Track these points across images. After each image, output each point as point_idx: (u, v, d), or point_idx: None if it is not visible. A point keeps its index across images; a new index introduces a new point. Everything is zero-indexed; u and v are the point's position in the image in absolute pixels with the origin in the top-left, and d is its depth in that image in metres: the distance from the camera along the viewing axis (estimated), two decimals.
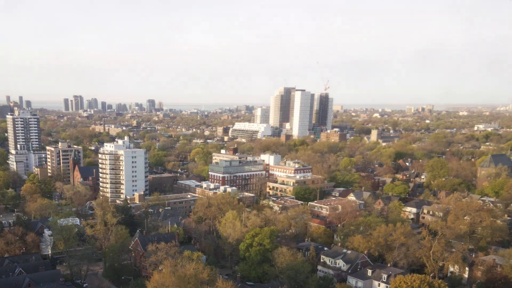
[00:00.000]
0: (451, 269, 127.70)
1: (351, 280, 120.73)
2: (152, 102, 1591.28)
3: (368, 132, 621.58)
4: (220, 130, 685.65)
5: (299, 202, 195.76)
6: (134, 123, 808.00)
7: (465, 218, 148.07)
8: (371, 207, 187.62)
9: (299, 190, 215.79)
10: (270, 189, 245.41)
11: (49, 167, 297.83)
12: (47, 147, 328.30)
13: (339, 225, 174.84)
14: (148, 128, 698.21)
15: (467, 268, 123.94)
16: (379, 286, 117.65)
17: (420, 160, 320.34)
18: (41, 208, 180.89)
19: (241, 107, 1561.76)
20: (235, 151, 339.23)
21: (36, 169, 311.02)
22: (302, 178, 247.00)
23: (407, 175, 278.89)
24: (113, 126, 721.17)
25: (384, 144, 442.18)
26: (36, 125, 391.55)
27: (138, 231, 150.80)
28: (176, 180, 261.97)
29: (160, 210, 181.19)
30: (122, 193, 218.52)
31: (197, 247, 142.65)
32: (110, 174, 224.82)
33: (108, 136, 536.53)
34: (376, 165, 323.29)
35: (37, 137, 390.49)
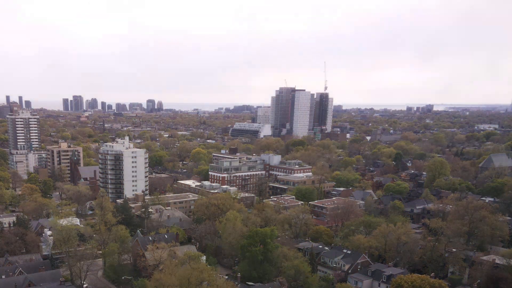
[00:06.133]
0: (451, 269, 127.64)
1: (351, 280, 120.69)
2: (152, 102, 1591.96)
3: (368, 132, 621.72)
4: (220, 130, 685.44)
5: (299, 202, 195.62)
6: (134, 123, 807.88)
7: (465, 218, 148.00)
8: (371, 207, 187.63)
9: (299, 190, 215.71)
10: (270, 189, 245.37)
11: (49, 167, 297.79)
12: (47, 147, 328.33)
13: (339, 225, 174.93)
14: (148, 128, 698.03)
15: (467, 268, 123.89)
16: (379, 286, 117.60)
17: (420, 160, 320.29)
18: (41, 208, 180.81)
19: (241, 107, 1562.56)
20: (235, 151, 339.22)
21: (36, 169, 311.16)
22: (302, 178, 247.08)
23: (407, 175, 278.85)
24: (113, 126, 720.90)
25: (384, 144, 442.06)
26: (36, 125, 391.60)
27: (138, 231, 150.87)
28: (176, 180, 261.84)
29: (160, 210, 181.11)
30: (122, 193, 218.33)
31: (197, 247, 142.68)
32: (110, 174, 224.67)
33: (108, 136, 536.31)
34: (377, 165, 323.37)
35: (37, 137, 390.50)
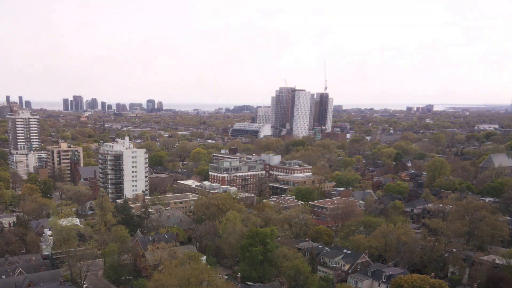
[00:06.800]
0: (451, 269, 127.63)
1: (351, 280, 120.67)
2: (152, 102, 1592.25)
3: (368, 132, 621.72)
4: (220, 130, 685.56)
5: (299, 202, 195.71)
6: (134, 123, 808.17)
7: (465, 218, 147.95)
8: (371, 207, 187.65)
9: (299, 190, 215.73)
10: (270, 189, 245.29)
11: (49, 167, 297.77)
12: (47, 147, 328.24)
13: (339, 225, 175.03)
14: (148, 128, 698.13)
15: (467, 268, 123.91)
16: (379, 286, 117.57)
17: (420, 160, 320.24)
18: (41, 208, 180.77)
19: (241, 107, 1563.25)
20: (235, 151, 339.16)
21: (36, 169, 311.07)
22: (302, 178, 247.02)
23: (407, 175, 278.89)
24: (113, 126, 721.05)
25: (384, 144, 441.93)
26: (36, 125, 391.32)
27: (138, 231, 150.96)
28: (176, 180, 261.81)
29: (160, 210, 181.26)
30: (122, 193, 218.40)
31: (197, 247, 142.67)
32: (110, 174, 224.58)
33: (108, 136, 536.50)
34: (377, 165, 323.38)
35: (37, 137, 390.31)
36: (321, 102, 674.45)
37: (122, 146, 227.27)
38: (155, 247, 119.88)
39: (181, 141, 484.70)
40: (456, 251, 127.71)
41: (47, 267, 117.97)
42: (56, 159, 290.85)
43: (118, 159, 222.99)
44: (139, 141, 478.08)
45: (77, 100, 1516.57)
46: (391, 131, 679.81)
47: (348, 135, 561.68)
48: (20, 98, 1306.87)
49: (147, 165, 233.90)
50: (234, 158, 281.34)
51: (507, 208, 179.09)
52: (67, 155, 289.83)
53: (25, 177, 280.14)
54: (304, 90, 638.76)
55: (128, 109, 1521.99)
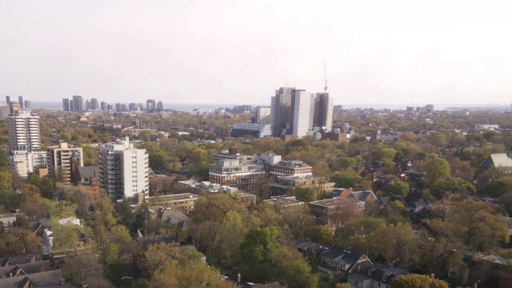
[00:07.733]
0: (451, 269, 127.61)
1: (351, 280, 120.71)
2: (152, 102, 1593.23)
3: (368, 132, 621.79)
4: (220, 130, 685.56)
5: (299, 202, 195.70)
6: (134, 123, 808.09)
7: (465, 217, 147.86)
8: (371, 207, 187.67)
9: (299, 190, 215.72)
10: (270, 189, 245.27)
11: (49, 167, 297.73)
12: (47, 147, 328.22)
13: (339, 225, 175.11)
14: (148, 128, 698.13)
15: (467, 268, 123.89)
16: (379, 286, 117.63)
17: (421, 160, 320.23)
18: (41, 208, 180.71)
19: (241, 107, 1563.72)
20: (235, 151, 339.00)
21: (36, 169, 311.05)
22: (302, 178, 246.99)
23: (407, 175, 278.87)
24: (113, 126, 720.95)
25: (384, 144, 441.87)
26: (36, 125, 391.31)
27: (138, 231, 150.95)
28: (176, 180, 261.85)
29: (160, 210, 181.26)
30: (122, 193, 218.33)
31: (197, 247, 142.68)
32: (110, 174, 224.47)
33: (108, 136, 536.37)
34: (377, 165, 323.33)
35: (37, 137, 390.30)
36: (321, 102, 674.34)
37: (122, 146, 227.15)
38: (155, 247, 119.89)
39: (181, 141, 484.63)
40: (456, 251, 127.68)
41: (47, 267, 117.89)
42: (56, 159, 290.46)
43: (118, 159, 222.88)
44: (139, 141, 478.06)
45: (77, 100, 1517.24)
46: (391, 131, 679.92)
47: (348, 135, 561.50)
48: (20, 98, 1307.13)
49: (147, 165, 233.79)
50: (234, 158, 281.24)
51: (507, 208, 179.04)
52: (67, 155, 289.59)
53: (25, 177, 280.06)
54: (304, 90, 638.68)
55: (128, 109, 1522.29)
